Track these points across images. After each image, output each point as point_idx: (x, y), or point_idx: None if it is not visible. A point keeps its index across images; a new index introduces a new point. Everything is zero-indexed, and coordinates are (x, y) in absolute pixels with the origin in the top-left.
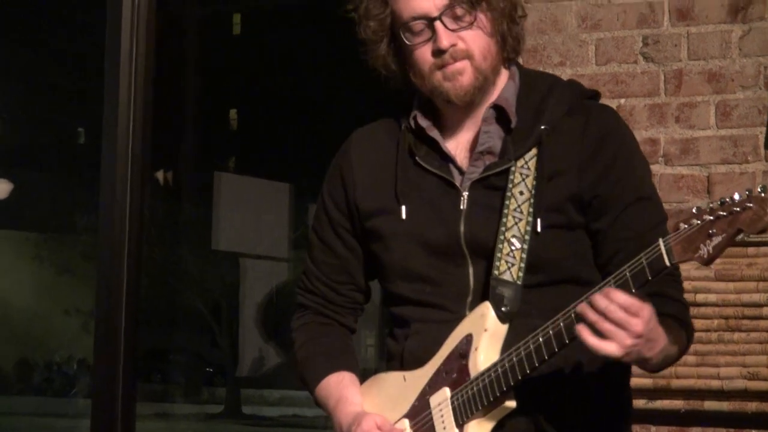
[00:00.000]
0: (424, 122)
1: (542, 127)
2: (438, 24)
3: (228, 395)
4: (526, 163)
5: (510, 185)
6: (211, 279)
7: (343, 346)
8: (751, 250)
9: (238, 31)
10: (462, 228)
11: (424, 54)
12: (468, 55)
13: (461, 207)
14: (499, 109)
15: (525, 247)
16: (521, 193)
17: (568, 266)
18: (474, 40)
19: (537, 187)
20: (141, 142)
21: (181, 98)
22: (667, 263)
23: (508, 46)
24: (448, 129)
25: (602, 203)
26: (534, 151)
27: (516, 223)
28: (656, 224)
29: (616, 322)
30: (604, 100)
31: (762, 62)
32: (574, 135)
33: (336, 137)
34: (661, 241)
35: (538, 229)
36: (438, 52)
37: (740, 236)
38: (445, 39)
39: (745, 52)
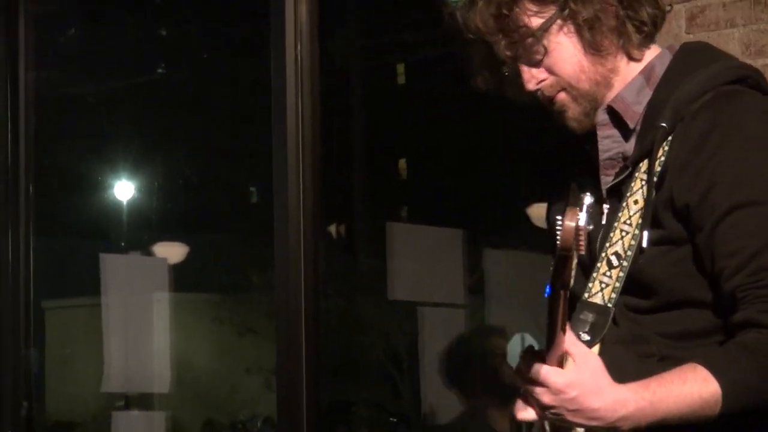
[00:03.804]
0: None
1: (661, 124)
2: (519, 65)
3: None
4: (647, 168)
5: (628, 194)
6: (390, 329)
7: None
8: None
9: (402, 81)
10: (598, 245)
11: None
12: (561, 86)
13: (602, 221)
14: (615, 111)
15: (625, 265)
16: (636, 202)
17: (679, 288)
18: (558, 66)
19: (648, 196)
20: (312, 197)
21: (349, 150)
22: None
23: (618, 43)
24: (591, 138)
25: (696, 214)
26: (655, 154)
27: (621, 238)
28: (765, 235)
29: (528, 391)
30: None
31: None
32: (683, 131)
33: (505, 180)
34: None
35: (644, 245)
36: (534, 92)
37: None
38: (528, 80)
39: None
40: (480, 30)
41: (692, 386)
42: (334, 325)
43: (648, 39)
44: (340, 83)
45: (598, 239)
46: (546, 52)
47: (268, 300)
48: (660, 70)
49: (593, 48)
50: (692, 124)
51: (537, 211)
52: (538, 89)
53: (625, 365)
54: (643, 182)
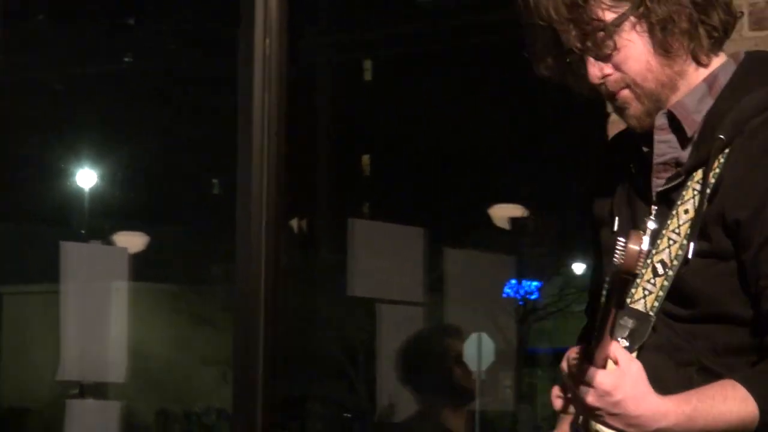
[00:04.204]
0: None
1: (719, 136)
2: (586, 57)
3: None
4: (701, 179)
5: (679, 202)
6: (348, 325)
7: None
8: None
9: (369, 77)
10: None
11: (593, 85)
12: (626, 83)
13: (648, 225)
14: (674, 117)
15: (669, 274)
16: (686, 212)
17: (722, 302)
18: (626, 63)
19: (699, 207)
20: (275, 191)
21: (314, 145)
22: None
23: (689, 46)
24: (647, 137)
25: (745, 230)
26: (710, 165)
27: (668, 247)
28: None
29: (570, 389)
30: None
31: None
32: (741, 146)
33: (468, 180)
34: None
35: (689, 256)
36: (596, 85)
37: None
38: (592, 73)
39: None
40: (551, 17)
41: (731, 405)
42: (292, 319)
43: (717, 45)
44: (308, 78)
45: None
46: (615, 47)
47: (227, 292)
48: (723, 80)
49: (663, 49)
50: (752, 141)
51: (499, 212)
52: (602, 83)
53: (662, 373)
54: (696, 192)
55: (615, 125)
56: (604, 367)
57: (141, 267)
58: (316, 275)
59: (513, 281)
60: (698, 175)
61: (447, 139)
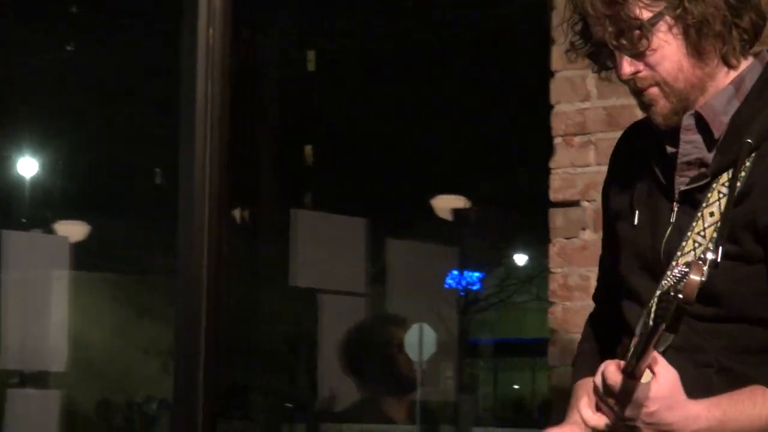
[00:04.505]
0: (655, 127)
1: (747, 140)
2: (616, 53)
3: (308, 431)
4: (727, 182)
5: (704, 204)
6: (290, 315)
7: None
8: None
9: (312, 68)
10: (663, 244)
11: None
12: (655, 81)
13: (671, 220)
14: (701, 117)
15: None
16: (711, 214)
17: (744, 303)
18: (658, 62)
19: (725, 211)
20: (217, 182)
21: (257, 136)
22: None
23: (721, 48)
24: (672, 134)
25: None
26: (738, 168)
27: (694, 249)
28: None
29: (605, 402)
30: None
31: None
32: None
33: (410, 171)
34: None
35: (718, 260)
36: (625, 81)
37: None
38: (622, 69)
39: None
40: (587, 11)
41: (761, 410)
42: (234, 309)
43: (747, 47)
44: (251, 69)
45: (665, 238)
46: (650, 46)
47: (169, 282)
48: (749, 83)
49: (696, 50)
50: None
51: (441, 203)
52: (631, 79)
53: (682, 374)
54: (722, 195)
55: (558, 117)
56: (640, 377)
57: (82, 256)
58: (259, 265)
59: (455, 272)
60: (724, 177)
61: (390, 130)
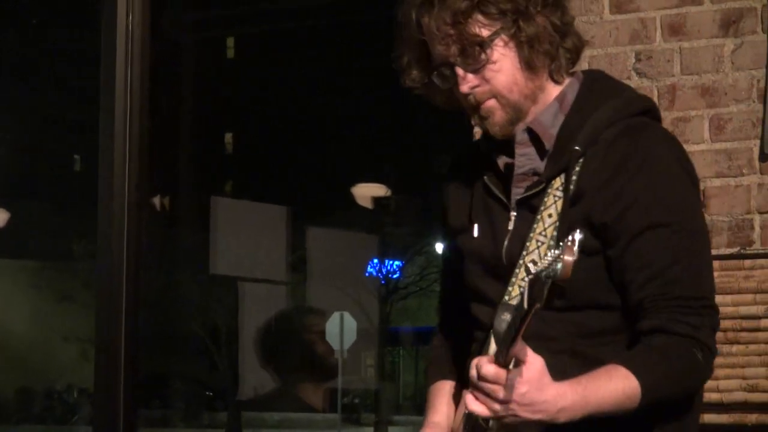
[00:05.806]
0: (484, 145)
1: (575, 147)
2: (457, 69)
3: (229, 419)
4: (561, 186)
5: (542, 207)
6: (210, 303)
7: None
8: (747, 262)
9: (232, 55)
10: (504, 249)
11: (459, 96)
12: (492, 94)
13: (509, 227)
14: (533, 132)
15: None
16: (549, 216)
17: (588, 292)
18: (495, 77)
19: (562, 211)
20: (137, 169)
21: (176, 123)
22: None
23: (549, 65)
24: (503, 150)
25: (612, 230)
26: (570, 173)
27: (537, 248)
28: (674, 252)
29: (481, 389)
30: None
31: (754, 75)
32: (600, 156)
33: (331, 159)
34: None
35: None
36: (464, 96)
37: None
38: (464, 83)
39: (738, 66)
40: (432, 32)
41: (617, 383)
42: (154, 297)
43: (570, 66)
44: (171, 55)
45: (504, 245)
46: (488, 61)
47: (89, 269)
48: (571, 98)
49: (528, 65)
50: (611, 150)
51: (361, 192)
52: (470, 93)
53: None
54: (557, 198)
55: None
56: (509, 364)
57: (1, 243)
58: (179, 253)
59: (375, 260)
60: (557, 182)
61: (310, 117)
